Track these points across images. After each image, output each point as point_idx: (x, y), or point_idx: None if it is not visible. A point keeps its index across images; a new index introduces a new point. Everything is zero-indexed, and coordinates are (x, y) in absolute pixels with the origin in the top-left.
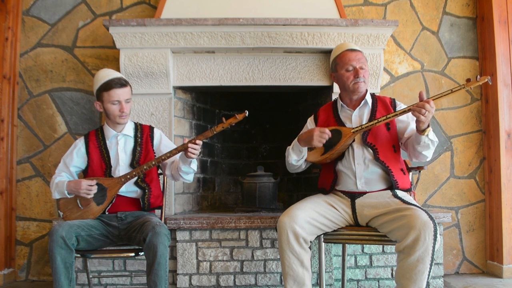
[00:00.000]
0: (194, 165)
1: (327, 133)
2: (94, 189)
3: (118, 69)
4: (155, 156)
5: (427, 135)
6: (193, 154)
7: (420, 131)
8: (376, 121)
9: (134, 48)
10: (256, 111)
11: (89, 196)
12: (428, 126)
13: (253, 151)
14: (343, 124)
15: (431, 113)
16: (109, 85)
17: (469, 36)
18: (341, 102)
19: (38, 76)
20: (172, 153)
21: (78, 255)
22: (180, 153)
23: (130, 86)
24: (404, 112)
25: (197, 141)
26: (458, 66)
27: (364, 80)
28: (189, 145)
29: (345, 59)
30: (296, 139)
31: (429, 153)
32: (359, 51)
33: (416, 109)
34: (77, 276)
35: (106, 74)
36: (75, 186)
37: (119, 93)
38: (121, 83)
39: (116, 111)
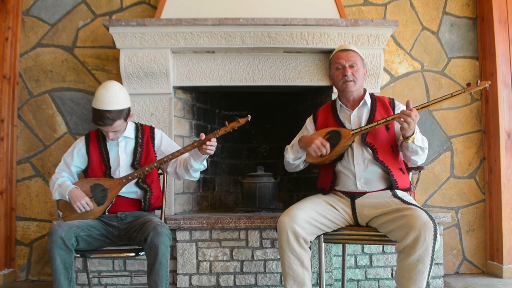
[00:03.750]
0: (205, 161)
1: (326, 148)
2: (88, 208)
3: (118, 69)
4: (156, 156)
5: (414, 142)
6: (212, 151)
7: (405, 138)
8: (375, 123)
9: (134, 48)
10: (256, 111)
11: (78, 211)
12: (413, 133)
13: (253, 151)
14: (342, 125)
15: (415, 121)
16: (94, 118)
17: (469, 36)
18: (339, 102)
19: (38, 76)
20: (174, 155)
21: (78, 255)
22: (187, 151)
23: (122, 116)
24: (394, 118)
25: (212, 140)
26: (458, 66)
27: (354, 79)
28: (207, 143)
29: (336, 58)
30: (298, 139)
31: (418, 159)
32: (351, 50)
33: (402, 116)
34: (77, 276)
35: (101, 100)
36: (77, 197)
37: (105, 128)
38: (105, 122)
39: (105, 134)
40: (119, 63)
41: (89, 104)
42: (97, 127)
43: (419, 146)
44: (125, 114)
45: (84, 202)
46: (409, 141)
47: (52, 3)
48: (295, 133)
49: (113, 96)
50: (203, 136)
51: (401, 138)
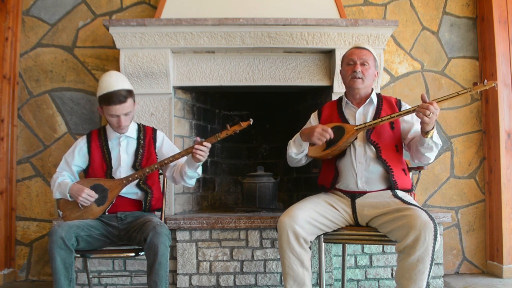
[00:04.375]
0: (200, 169)
1: (329, 132)
2: (92, 199)
3: (118, 69)
4: (157, 158)
5: (431, 137)
6: (201, 156)
7: (424, 133)
8: (380, 119)
9: (134, 48)
10: (256, 111)
11: (85, 205)
12: (433, 128)
13: (253, 151)
14: (346, 121)
15: (436, 114)
16: (108, 100)
17: (469, 36)
18: (346, 99)
19: (38, 76)
20: (175, 157)
21: (78, 255)
22: (185, 157)
23: (132, 97)
24: (408, 112)
25: (205, 143)
26: (458, 66)
27: (362, 77)
28: (196, 146)
29: (349, 55)
30: (299, 133)
31: (432, 155)
32: (365, 49)
33: (420, 110)
34: (77, 276)
35: (109, 83)
36: (77, 191)
37: (117, 108)
38: (120, 99)
39: (114, 123)
40: (119, 63)
41: (89, 104)
42: (110, 111)
43: (435, 142)
44: (133, 96)
45: (85, 195)
46: (428, 136)
47: (52, 3)
48: (295, 133)
49: (119, 80)
50: (198, 139)
51: (408, 137)
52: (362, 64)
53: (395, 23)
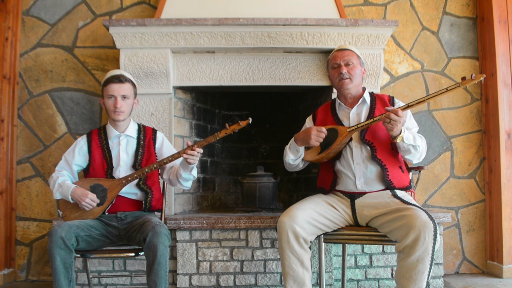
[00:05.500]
0: (195, 171)
1: (323, 132)
2: (95, 204)
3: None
4: (156, 159)
5: (403, 141)
6: (193, 160)
7: (392, 138)
8: (371, 120)
9: (134, 48)
10: (256, 111)
11: (87, 209)
12: (400, 132)
13: (253, 151)
14: (340, 122)
15: (399, 122)
16: (107, 81)
17: (469, 36)
18: (338, 101)
19: (38, 76)
20: (174, 156)
21: (78, 255)
22: (181, 159)
23: (132, 84)
24: (381, 119)
25: (196, 149)
26: (458, 66)
27: (350, 76)
28: (186, 151)
29: (332, 58)
30: (293, 139)
31: (412, 157)
32: (347, 49)
33: (381, 118)
34: (77, 276)
35: (111, 72)
36: (80, 196)
37: (114, 88)
38: (119, 79)
39: (111, 106)
40: (119, 63)
41: (89, 104)
42: (108, 91)
43: (411, 144)
44: (134, 85)
45: (89, 200)
46: (398, 140)
47: (52, 3)
48: (295, 133)
49: (123, 71)
50: (189, 142)
51: None
52: (347, 65)
53: (395, 23)
